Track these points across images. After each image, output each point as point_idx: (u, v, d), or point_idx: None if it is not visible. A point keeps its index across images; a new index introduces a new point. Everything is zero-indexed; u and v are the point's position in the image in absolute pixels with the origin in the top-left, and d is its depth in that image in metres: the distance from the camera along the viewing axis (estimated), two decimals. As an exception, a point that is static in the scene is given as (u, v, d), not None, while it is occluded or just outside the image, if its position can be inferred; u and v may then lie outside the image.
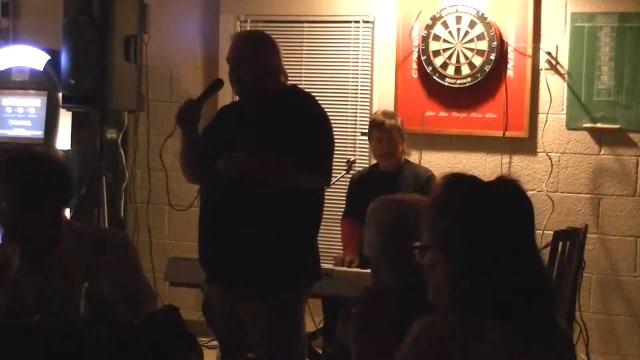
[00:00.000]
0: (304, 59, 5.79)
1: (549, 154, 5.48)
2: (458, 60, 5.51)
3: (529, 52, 5.43)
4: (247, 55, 3.76)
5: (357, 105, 5.79)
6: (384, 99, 5.71)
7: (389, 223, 2.69)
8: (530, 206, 1.96)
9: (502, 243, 1.88)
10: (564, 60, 5.42)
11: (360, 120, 5.77)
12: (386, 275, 2.68)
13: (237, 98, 5.80)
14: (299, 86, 3.98)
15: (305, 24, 5.85)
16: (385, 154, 5.00)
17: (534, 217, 1.97)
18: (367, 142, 5.72)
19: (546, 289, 1.94)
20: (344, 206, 5.32)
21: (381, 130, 5.00)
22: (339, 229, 5.29)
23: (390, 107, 5.67)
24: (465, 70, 5.50)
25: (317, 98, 3.89)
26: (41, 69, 5.70)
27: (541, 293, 1.91)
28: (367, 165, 5.60)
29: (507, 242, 1.89)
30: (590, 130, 5.41)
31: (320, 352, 4.92)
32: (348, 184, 5.26)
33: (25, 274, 2.68)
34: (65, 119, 5.62)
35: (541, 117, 5.47)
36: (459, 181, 1.99)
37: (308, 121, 3.68)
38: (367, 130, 5.73)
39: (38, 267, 2.70)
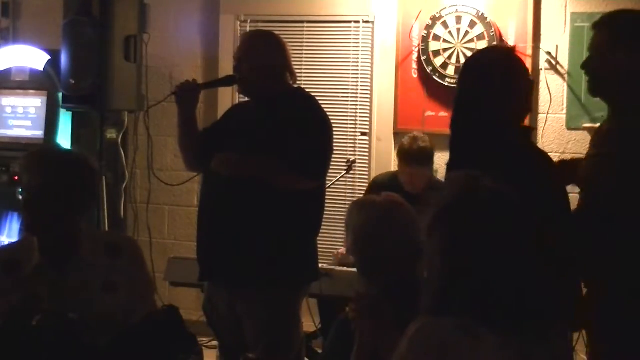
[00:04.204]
0: (304, 59, 5.78)
1: (549, 153, 5.46)
2: (458, 60, 5.50)
3: (529, 52, 5.42)
4: (250, 55, 3.76)
5: (357, 105, 5.78)
6: (384, 99, 5.71)
7: (357, 229, 2.67)
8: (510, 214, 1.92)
9: (482, 247, 1.86)
10: (564, 60, 5.42)
11: (360, 120, 5.76)
12: (361, 279, 2.67)
13: (236, 96, 5.84)
14: (301, 87, 3.99)
15: (305, 24, 5.85)
16: (411, 185, 4.89)
17: (521, 220, 1.93)
18: (367, 142, 5.73)
19: (541, 291, 1.92)
20: (343, 206, 5.32)
21: (410, 166, 4.88)
22: (339, 228, 5.28)
23: (390, 107, 5.67)
24: (465, 70, 5.49)
25: (317, 98, 3.89)
26: (41, 69, 5.70)
27: (535, 295, 1.89)
28: (367, 169, 5.59)
29: (485, 246, 1.86)
30: (590, 130, 5.40)
31: (320, 352, 4.93)
32: (369, 185, 5.20)
33: (42, 273, 2.69)
34: (65, 119, 5.62)
35: (541, 117, 5.46)
36: (455, 182, 1.99)
37: (305, 123, 3.68)
38: (367, 130, 5.73)
39: (56, 267, 2.71)
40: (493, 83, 2.94)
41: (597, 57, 2.96)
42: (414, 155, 4.88)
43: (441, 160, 5.65)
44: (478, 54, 3.45)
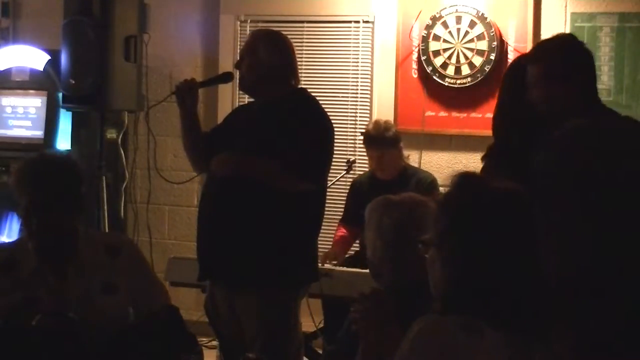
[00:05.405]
0: (304, 59, 5.78)
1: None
2: (458, 60, 5.51)
3: (529, 52, 5.42)
4: (250, 53, 3.76)
5: (357, 105, 5.79)
6: (384, 99, 5.71)
7: (390, 226, 2.68)
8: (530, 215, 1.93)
9: (498, 249, 1.86)
10: (564, 60, 5.42)
11: (360, 120, 5.77)
12: (388, 277, 2.68)
13: (237, 96, 5.84)
14: (304, 88, 3.98)
15: (305, 24, 5.85)
16: (379, 169, 5.00)
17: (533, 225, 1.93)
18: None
19: (545, 292, 1.92)
20: (343, 206, 5.32)
21: (371, 148, 5.00)
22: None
23: (390, 107, 5.67)
24: (465, 70, 5.50)
25: (317, 98, 3.89)
26: (41, 69, 5.70)
27: (540, 296, 1.89)
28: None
29: (503, 247, 1.86)
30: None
31: (320, 352, 4.93)
32: (349, 186, 5.25)
33: (41, 276, 2.69)
34: (65, 119, 5.62)
35: (541, 117, 5.46)
36: (464, 182, 1.98)
37: (305, 125, 3.67)
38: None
39: (54, 269, 2.71)
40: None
41: (536, 89, 3.06)
42: (377, 137, 4.95)
43: (441, 160, 5.66)
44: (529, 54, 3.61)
